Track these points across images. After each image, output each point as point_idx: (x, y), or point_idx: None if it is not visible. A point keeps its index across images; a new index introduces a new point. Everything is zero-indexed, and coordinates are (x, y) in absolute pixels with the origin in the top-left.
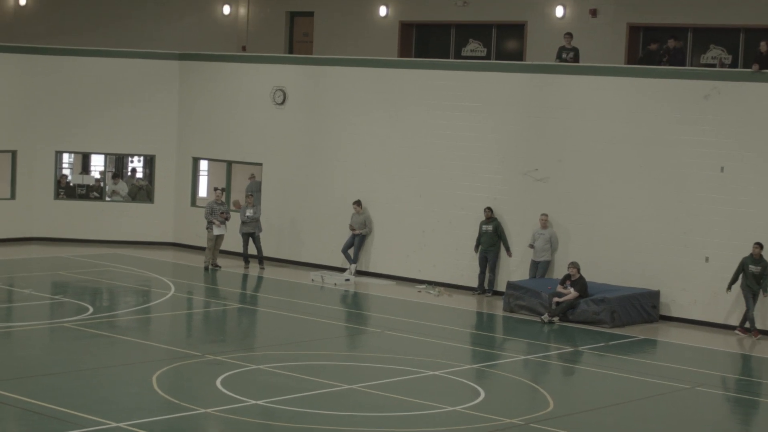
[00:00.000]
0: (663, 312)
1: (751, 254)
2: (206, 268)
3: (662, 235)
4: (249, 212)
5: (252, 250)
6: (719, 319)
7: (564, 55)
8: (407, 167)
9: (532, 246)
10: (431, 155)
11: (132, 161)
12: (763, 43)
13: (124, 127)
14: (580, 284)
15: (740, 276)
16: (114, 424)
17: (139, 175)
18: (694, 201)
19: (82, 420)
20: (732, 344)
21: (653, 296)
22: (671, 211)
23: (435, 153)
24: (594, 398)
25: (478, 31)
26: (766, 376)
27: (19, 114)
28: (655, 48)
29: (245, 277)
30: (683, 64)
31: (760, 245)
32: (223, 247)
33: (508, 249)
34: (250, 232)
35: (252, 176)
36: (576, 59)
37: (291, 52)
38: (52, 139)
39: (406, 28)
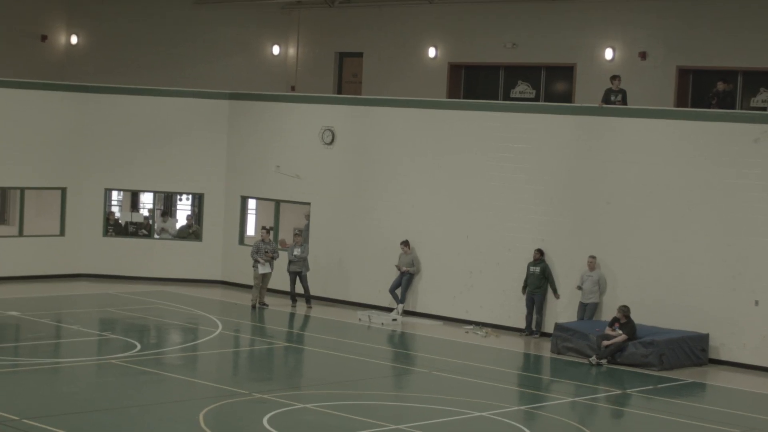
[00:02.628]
0: (712, 355)
1: None
2: (253, 307)
3: (711, 278)
4: (297, 251)
5: (299, 289)
6: None
7: (612, 98)
8: (455, 208)
9: (580, 288)
10: (479, 196)
11: (181, 200)
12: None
13: (174, 165)
14: (628, 327)
15: None
16: None
17: (188, 213)
18: (744, 244)
19: None
20: None
21: (702, 339)
22: (720, 254)
23: (483, 194)
24: None
25: (527, 72)
26: None
27: (70, 151)
28: (723, 88)
29: (292, 315)
30: (733, 107)
31: None
32: (271, 285)
33: (555, 291)
34: (298, 271)
35: (308, 216)
36: (624, 101)
37: (340, 92)
38: (102, 176)
39: (455, 69)
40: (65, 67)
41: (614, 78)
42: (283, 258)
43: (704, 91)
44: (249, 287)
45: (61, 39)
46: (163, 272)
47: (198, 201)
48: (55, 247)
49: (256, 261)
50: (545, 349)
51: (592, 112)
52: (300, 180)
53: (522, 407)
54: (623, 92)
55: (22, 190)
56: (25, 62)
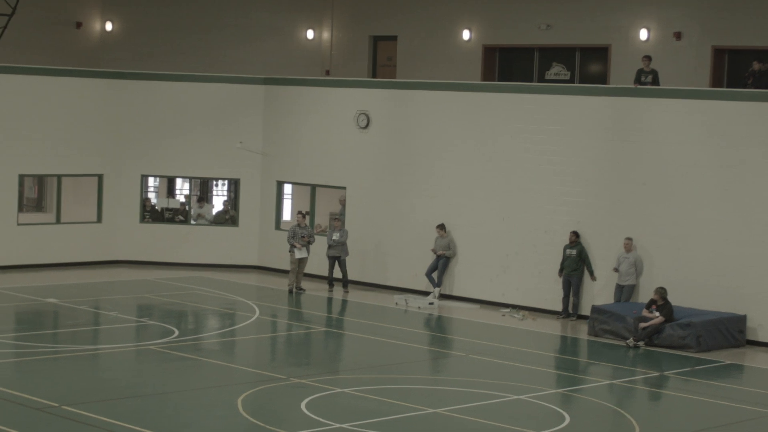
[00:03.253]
0: (750, 337)
1: None
2: (290, 291)
3: (749, 259)
4: (335, 236)
5: (338, 273)
6: None
7: (643, 78)
8: (490, 191)
9: (616, 270)
10: (514, 179)
11: (217, 185)
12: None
13: (209, 151)
14: (666, 309)
15: None
16: None
17: (224, 198)
18: None
19: None
20: None
21: (740, 321)
22: (758, 234)
23: (518, 176)
24: (680, 424)
25: (562, 54)
26: None
27: (105, 138)
28: (759, 68)
29: (329, 300)
30: None
31: None
32: (308, 270)
33: (591, 273)
34: (337, 256)
35: (342, 200)
36: (655, 82)
37: (374, 76)
38: (138, 163)
39: (489, 51)
40: (100, 54)
41: (645, 58)
42: (320, 242)
43: (740, 71)
44: (285, 272)
45: (96, 26)
46: (200, 258)
47: (234, 186)
48: (92, 234)
49: (292, 246)
50: (582, 331)
51: (628, 93)
52: (332, 162)
53: (559, 390)
54: (654, 72)
55: (59, 177)
56: (60, 49)
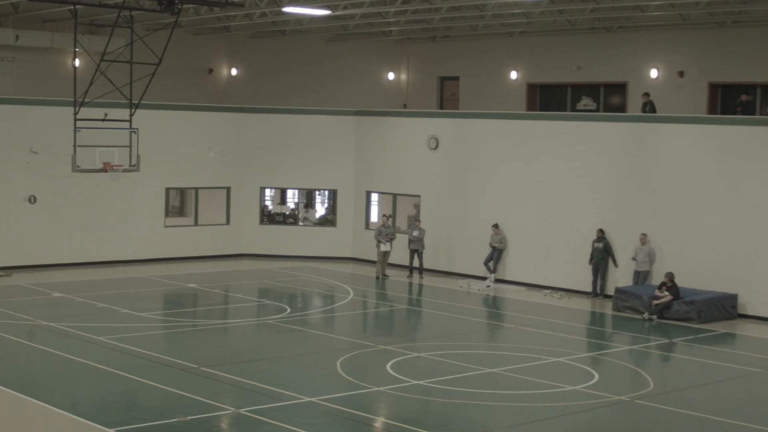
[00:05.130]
0: (740, 311)
1: None
2: (377, 278)
3: (739, 250)
4: (415, 233)
5: (416, 263)
6: None
7: (647, 108)
8: (534, 197)
9: (634, 259)
10: (552, 188)
11: (319, 194)
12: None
13: (313, 167)
14: (673, 290)
15: None
16: (307, 399)
17: (326, 205)
18: (764, 222)
19: (283, 395)
20: None
21: (732, 298)
22: (745, 230)
23: (555, 186)
24: (685, 380)
25: (589, 89)
26: None
27: (232, 159)
28: (746, 99)
29: (409, 284)
30: (753, 114)
31: None
32: (391, 260)
33: (615, 262)
34: (416, 249)
35: (416, 205)
36: (653, 110)
37: (441, 108)
38: (257, 177)
39: (531, 88)
40: (227, 93)
41: (644, 95)
42: (401, 239)
43: (730, 102)
44: (374, 262)
45: (224, 71)
46: (306, 251)
47: (333, 195)
48: (222, 233)
49: (378, 241)
50: (607, 307)
51: (642, 119)
52: (409, 175)
53: (589, 354)
54: (651, 103)
55: (197, 189)
56: (196, 91)
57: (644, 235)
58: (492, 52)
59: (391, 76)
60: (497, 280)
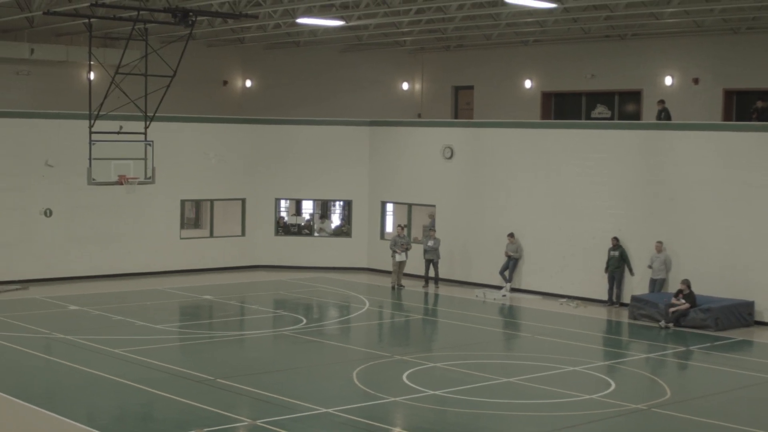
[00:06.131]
0: (757, 318)
1: None
2: (393, 288)
3: (755, 256)
4: (430, 243)
5: (431, 273)
6: None
7: (663, 116)
8: (549, 206)
9: (650, 267)
10: (568, 196)
11: (334, 205)
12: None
13: (328, 178)
14: (690, 297)
15: None
16: (324, 410)
17: (341, 215)
18: None
19: (300, 407)
20: None
21: (749, 306)
22: (762, 237)
23: (571, 194)
24: (702, 388)
25: (604, 97)
26: None
27: (247, 170)
28: (761, 105)
29: (425, 294)
30: None
31: None
32: (406, 270)
33: (631, 270)
34: (431, 259)
35: (431, 215)
36: (668, 117)
37: (456, 117)
38: (272, 188)
39: (546, 96)
40: (242, 104)
41: (659, 102)
42: (417, 249)
43: (745, 108)
44: (389, 273)
45: (238, 83)
46: (322, 262)
47: (347, 206)
48: (237, 245)
49: (394, 251)
50: (624, 316)
51: (657, 126)
52: (424, 185)
53: (606, 363)
54: (666, 110)
55: (212, 201)
56: (211, 102)
57: (660, 242)
58: (506, 61)
59: (405, 85)
60: (513, 290)
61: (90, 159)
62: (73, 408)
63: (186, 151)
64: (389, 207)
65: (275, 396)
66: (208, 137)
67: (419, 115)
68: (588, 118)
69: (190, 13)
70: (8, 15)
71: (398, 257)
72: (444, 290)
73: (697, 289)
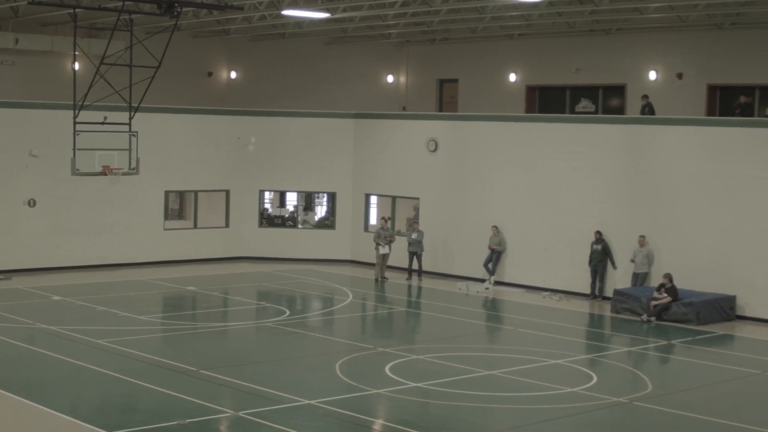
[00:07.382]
0: (738, 313)
1: None
2: (376, 280)
3: (738, 251)
4: (414, 235)
5: (415, 265)
6: None
7: (646, 110)
8: (533, 199)
9: (633, 261)
10: (552, 189)
11: (318, 197)
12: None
13: (312, 170)
14: (672, 291)
15: None
16: (306, 401)
17: (325, 208)
18: (762, 224)
19: (282, 398)
20: None
21: (730, 300)
22: (744, 232)
23: (555, 187)
24: (684, 381)
25: (588, 91)
26: None
27: (231, 161)
28: (744, 100)
29: (408, 286)
30: (752, 116)
31: None
32: (390, 263)
33: (613, 264)
34: (414, 251)
35: (416, 208)
36: (652, 112)
37: (441, 110)
38: (257, 180)
39: (530, 90)
40: (226, 96)
41: (643, 97)
42: (400, 241)
43: (729, 103)
44: (372, 265)
45: (223, 74)
46: (306, 254)
47: (331, 198)
48: (221, 236)
49: (377, 244)
50: (606, 309)
51: (640, 121)
52: (408, 178)
53: (588, 356)
54: (650, 105)
55: (196, 192)
56: (196, 94)
57: (643, 236)
58: (491, 55)
59: (390, 78)
60: (496, 282)
61: (74, 149)
62: (55, 398)
63: (170, 142)
64: (373, 199)
65: (258, 387)
66: (192, 128)
67: (404, 108)
68: (572, 112)
69: (176, 4)
70: None
71: (382, 249)
72: (427, 283)
73: (679, 284)
